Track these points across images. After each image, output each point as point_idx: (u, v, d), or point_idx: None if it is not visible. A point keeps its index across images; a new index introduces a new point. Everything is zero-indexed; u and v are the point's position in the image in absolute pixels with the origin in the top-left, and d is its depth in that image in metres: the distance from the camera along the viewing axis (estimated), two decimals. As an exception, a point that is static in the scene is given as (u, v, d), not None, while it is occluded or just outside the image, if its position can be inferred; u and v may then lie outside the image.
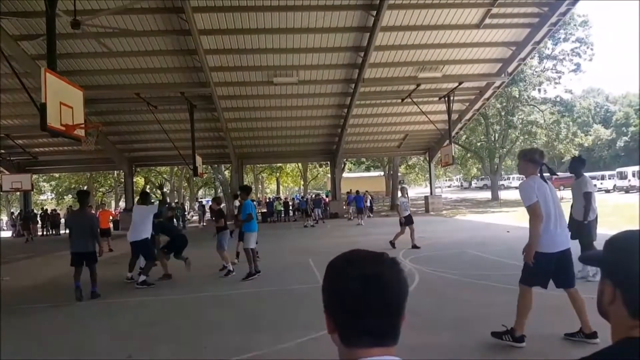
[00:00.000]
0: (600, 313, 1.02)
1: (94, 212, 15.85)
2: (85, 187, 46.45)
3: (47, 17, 8.60)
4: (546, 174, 4.43)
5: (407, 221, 11.60)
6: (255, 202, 10.65)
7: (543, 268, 4.15)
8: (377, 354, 0.89)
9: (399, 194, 12.74)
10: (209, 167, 31.80)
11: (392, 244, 11.55)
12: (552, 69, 33.30)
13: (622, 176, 32.31)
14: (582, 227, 6.53)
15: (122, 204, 41.03)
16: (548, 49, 32.25)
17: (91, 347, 4.92)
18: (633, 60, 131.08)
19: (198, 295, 7.41)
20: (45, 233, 27.69)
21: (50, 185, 48.30)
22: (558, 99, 34.71)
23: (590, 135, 50.71)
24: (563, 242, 4.21)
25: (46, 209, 30.59)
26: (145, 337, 5.20)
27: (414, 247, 11.18)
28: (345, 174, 39.12)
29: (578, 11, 30.65)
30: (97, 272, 7.53)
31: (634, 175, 31.94)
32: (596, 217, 6.72)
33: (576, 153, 38.20)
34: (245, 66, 17.16)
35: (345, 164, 38.69)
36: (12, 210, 40.60)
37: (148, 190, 12.59)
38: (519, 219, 18.06)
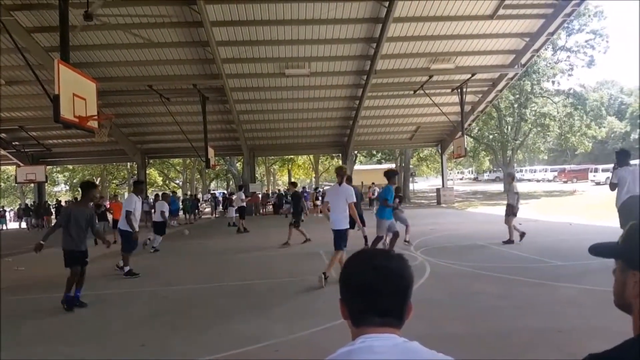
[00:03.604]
0: (619, 305, 0.99)
1: (107, 203, 16.04)
2: (98, 179, 47.10)
3: (60, 9, 8.66)
4: None
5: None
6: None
7: None
8: (382, 332, 1.03)
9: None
10: (221, 159, 31.94)
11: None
12: (565, 60, 32.80)
13: (636, 169, 31.81)
14: None
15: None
16: (562, 40, 31.73)
17: (105, 336, 5.01)
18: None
19: (207, 285, 7.48)
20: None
21: (64, 176, 48.92)
22: (571, 91, 34.19)
23: (604, 127, 49.87)
24: None
25: (60, 201, 31.01)
26: (159, 326, 5.27)
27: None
28: (356, 166, 38.98)
29: (592, 2, 30.06)
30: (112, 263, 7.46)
31: (648, 168, 31.41)
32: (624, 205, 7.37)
33: (590, 145, 37.70)
34: (257, 58, 17.15)
35: (356, 156, 38.60)
36: (23, 202, 41.13)
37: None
38: (532, 211, 17.92)
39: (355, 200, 7.10)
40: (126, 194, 47.18)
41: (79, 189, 6.73)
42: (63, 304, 6.12)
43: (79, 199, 6.50)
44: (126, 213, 8.47)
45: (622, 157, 7.65)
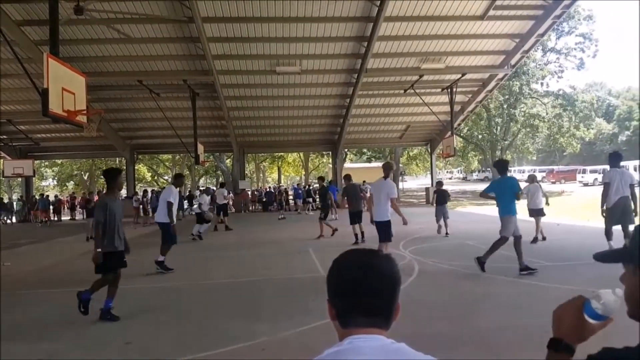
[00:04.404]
0: (633, 315, 0.94)
1: (96, 198, 15.89)
2: (86, 174, 46.60)
3: (49, 2, 8.56)
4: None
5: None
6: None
7: None
8: (369, 333, 1.02)
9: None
10: (211, 155, 31.80)
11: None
12: (555, 61, 33.15)
13: (624, 170, 32.29)
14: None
15: (123, 191, 41.10)
16: (552, 41, 32.05)
17: (87, 333, 4.98)
18: (635, 54, 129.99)
19: (195, 283, 7.47)
20: (48, 219, 27.72)
21: (53, 171, 48.36)
22: (561, 92, 34.57)
23: (592, 129, 50.52)
24: None
25: (47, 195, 30.65)
26: (145, 323, 5.25)
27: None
28: (346, 164, 39.08)
29: (582, 5, 30.42)
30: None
31: (635, 170, 31.86)
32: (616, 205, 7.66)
33: (578, 147, 38.20)
34: (248, 54, 17.10)
35: (346, 155, 38.67)
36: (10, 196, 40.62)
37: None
38: (519, 211, 18.11)
39: (396, 195, 7.57)
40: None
41: (103, 176, 5.87)
42: (82, 304, 5.29)
43: (107, 191, 5.78)
44: (167, 204, 8.39)
45: (614, 159, 7.90)
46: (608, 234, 7.77)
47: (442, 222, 12.14)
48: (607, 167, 8.21)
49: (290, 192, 29.92)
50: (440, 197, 12.59)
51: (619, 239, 7.44)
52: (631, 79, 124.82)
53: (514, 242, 7.06)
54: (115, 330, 5.01)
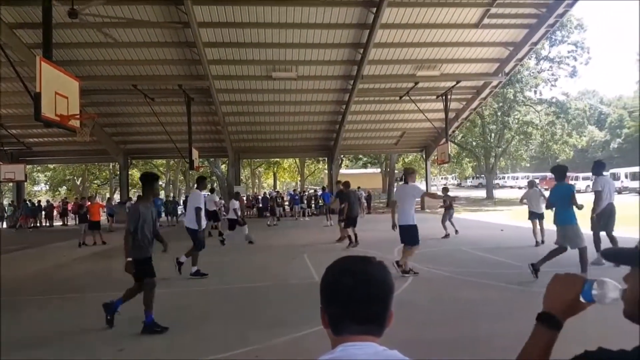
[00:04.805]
0: (631, 316, 0.94)
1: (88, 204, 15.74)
2: (79, 180, 46.26)
3: (43, 5, 8.51)
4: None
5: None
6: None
7: None
8: (362, 340, 1.02)
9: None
10: (206, 160, 31.70)
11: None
12: (548, 69, 33.43)
13: (615, 177, 32.51)
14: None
15: (117, 196, 40.88)
16: (545, 50, 32.33)
17: (79, 338, 4.90)
18: (627, 63, 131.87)
19: (188, 290, 7.40)
20: (35, 225, 27.45)
21: (45, 176, 48.03)
22: (554, 100, 34.86)
23: (585, 136, 50.96)
24: None
25: (39, 201, 30.41)
26: (138, 329, 5.17)
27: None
28: (342, 170, 39.11)
29: (574, 14, 30.72)
30: (92, 266, 7.17)
31: (626, 177, 32.14)
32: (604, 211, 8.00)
33: (571, 154, 38.51)
34: (244, 60, 17.09)
35: (342, 160, 38.70)
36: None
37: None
38: (513, 217, 18.17)
39: (423, 192, 7.92)
40: (107, 194, 46.59)
41: (140, 181, 5.70)
42: (110, 314, 5.23)
43: (142, 196, 5.53)
44: (196, 210, 8.35)
45: (599, 168, 8.21)
46: (597, 244, 7.82)
47: (447, 223, 12.85)
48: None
49: (287, 198, 29.84)
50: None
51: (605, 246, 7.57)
52: (622, 87, 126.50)
53: (579, 254, 6.70)
54: (109, 336, 4.93)
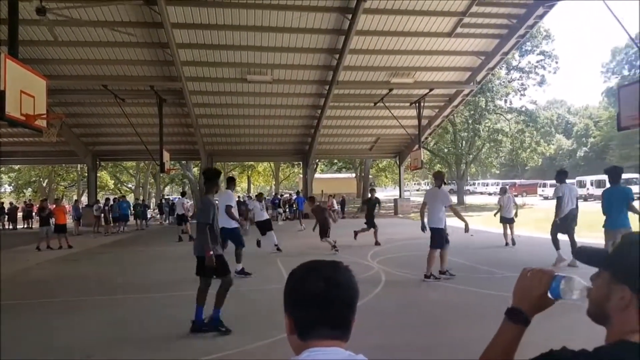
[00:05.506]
0: (594, 314, 0.96)
1: (51, 206, 15.27)
2: (45, 181, 44.78)
3: (9, 1, 8.22)
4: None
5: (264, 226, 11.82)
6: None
7: None
8: (329, 345, 1.02)
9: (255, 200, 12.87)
10: (177, 163, 31.20)
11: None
12: (518, 79, 34.40)
13: (582, 185, 33.59)
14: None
15: (84, 199, 39.84)
16: (515, 60, 33.25)
17: (50, 347, 4.73)
18: (593, 73, 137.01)
19: (163, 294, 7.24)
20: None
21: (9, 177, 46.33)
22: (523, 109, 35.87)
23: (553, 144, 52.65)
24: None
25: (2, 203, 29.31)
26: (107, 335, 5.04)
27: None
28: (317, 175, 39.16)
29: (543, 25, 31.61)
30: (77, 270, 7.00)
31: (592, 184, 33.25)
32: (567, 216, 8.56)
33: (539, 161, 39.71)
34: (218, 62, 16.91)
35: (317, 165, 38.76)
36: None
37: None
38: (484, 223, 18.54)
39: (451, 202, 8.02)
40: (74, 197, 45.29)
41: (203, 175, 5.63)
42: (218, 324, 5.06)
43: (204, 190, 5.40)
44: (226, 208, 8.21)
45: (562, 176, 8.85)
46: (556, 243, 8.69)
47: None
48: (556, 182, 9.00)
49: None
50: None
51: (564, 249, 8.22)
52: (588, 98, 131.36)
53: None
54: (78, 342, 4.79)
